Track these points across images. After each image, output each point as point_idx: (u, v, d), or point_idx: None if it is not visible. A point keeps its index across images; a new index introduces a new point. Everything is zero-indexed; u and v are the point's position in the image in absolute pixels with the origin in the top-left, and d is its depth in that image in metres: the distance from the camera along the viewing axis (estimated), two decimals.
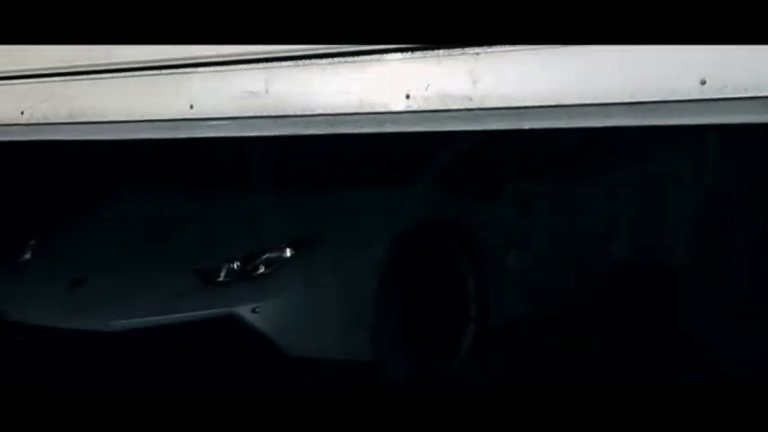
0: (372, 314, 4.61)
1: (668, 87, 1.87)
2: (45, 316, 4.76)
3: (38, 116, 2.30)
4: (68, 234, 5.28)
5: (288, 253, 4.63)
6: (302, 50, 2.07)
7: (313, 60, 2.08)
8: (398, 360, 4.69)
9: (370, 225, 4.79)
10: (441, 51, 1.99)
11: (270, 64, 2.09)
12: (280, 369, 4.51)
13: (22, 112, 2.31)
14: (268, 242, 4.68)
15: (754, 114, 1.82)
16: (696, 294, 5.71)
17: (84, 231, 5.28)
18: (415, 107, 2.00)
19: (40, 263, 5.10)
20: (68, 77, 2.25)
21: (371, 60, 2.04)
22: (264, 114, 2.10)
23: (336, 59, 2.05)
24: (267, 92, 2.11)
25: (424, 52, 2.00)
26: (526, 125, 1.90)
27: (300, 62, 2.08)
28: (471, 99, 1.96)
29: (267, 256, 4.63)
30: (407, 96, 2.02)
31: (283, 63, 2.08)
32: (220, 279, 4.62)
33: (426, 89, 2.00)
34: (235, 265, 4.63)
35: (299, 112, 2.09)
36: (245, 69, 2.11)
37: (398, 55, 2.02)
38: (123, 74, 2.21)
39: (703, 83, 1.84)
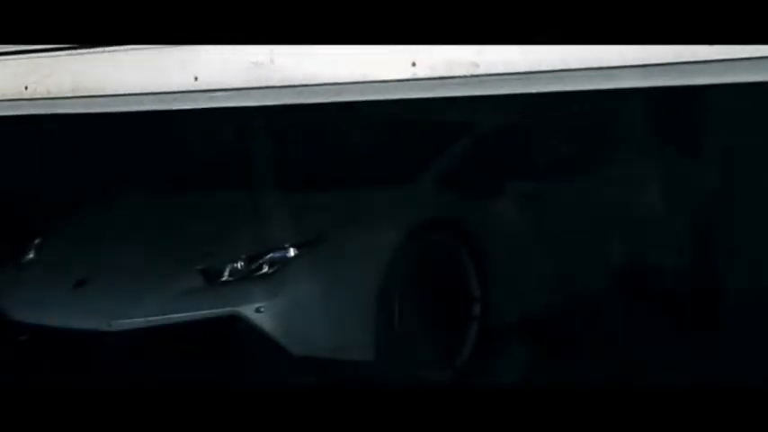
0: (376, 314, 4.60)
1: None
2: (48, 315, 4.76)
3: (41, 91, 2.30)
4: (71, 234, 5.28)
5: (291, 253, 4.63)
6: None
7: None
8: (402, 360, 4.67)
9: (374, 225, 4.79)
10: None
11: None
12: (283, 368, 4.49)
13: (26, 87, 2.32)
14: (272, 242, 4.67)
15: None
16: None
17: (88, 231, 5.28)
18: (421, 75, 2.00)
19: (42, 262, 5.09)
20: (72, 52, 2.25)
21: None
22: (270, 85, 2.09)
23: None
24: (272, 62, 2.11)
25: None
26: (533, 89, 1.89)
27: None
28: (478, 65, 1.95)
29: (271, 255, 4.63)
30: (413, 64, 2.02)
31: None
32: (224, 279, 4.62)
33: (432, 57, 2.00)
34: (238, 265, 4.63)
35: (304, 82, 2.08)
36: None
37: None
38: (127, 47, 2.21)
39: None
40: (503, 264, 5.13)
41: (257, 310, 4.47)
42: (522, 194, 5.33)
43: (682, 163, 6.05)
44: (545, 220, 5.47)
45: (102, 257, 4.93)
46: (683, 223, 6.05)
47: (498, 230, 5.16)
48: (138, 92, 2.20)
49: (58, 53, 2.30)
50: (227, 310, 4.50)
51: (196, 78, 2.17)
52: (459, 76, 1.96)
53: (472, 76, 1.95)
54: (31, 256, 5.20)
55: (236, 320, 4.48)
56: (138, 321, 4.57)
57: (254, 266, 4.61)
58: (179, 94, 2.17)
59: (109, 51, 2.23)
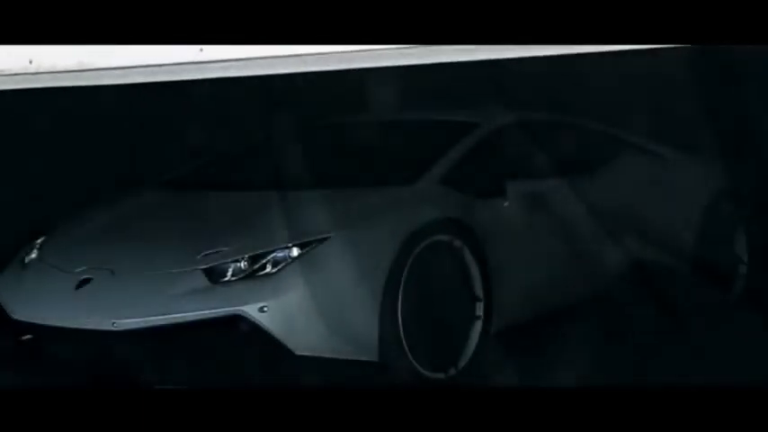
0: (379, 313, 4.60)
1: None
2: (51, 315, 4.75)
3: (46, 65, 2.30)
4: (74, 233, 5.27)
5: (295, 252, 4.63)
6: None
7: None
8: (405, 359, 4.67)
9: (377, 224, 4.79)
10: None
11: None
12: (286, 368, 4.49)
13: (31, 61, 2.32)
14: (275, 242, 4.68)
15: None
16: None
17: (90, 230, 5.27)
18: None
19: (45, 262, 5.08)
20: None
21: None
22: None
23: None
24: None
25: None
26: None
27: None
28: None
29: (274, 255, 4.63)
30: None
31: None
32: (227, 278, 4.62)
33: None
34: (242, 265, 4.63)
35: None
36: None
37: None
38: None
39: None
40: (506, 264, 5.13)
41: (261, 310, 4.47)
42: (525, 194, 5.33)
43: None
44: (549, 220, 5.49)
45: (106, 257, 4.92)
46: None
47: (502, 230, 5.17)
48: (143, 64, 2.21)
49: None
50: (231, 309, 4.49)
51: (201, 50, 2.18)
52: None
53: None
54: (33, 255, 5.19)
55: (239, 320, 4.48)
56: (142, 321, 4.56)
57: (257, 266, 4.61)
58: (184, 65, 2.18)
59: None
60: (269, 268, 4.60)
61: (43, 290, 4.91)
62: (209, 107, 6.56)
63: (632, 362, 5.08)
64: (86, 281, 4.78)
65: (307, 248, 4.64)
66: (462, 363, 4.91)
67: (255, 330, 4.46)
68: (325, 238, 4.66)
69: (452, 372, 4.86)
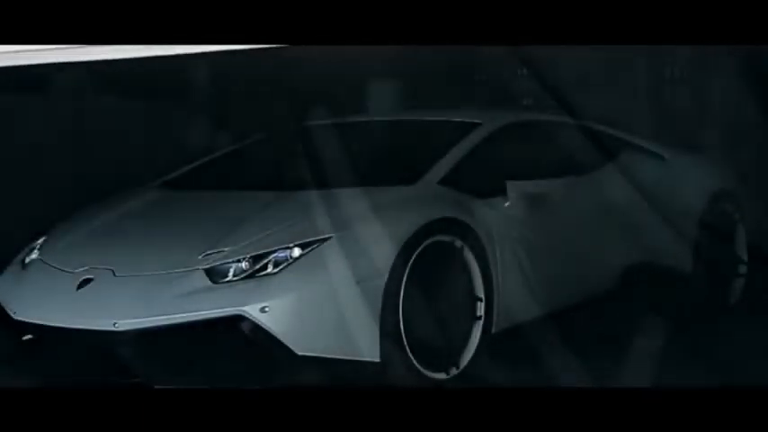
0: (380, 313, 4.60)
1: None
2: (52, 315, 4.75)
3: None
4: (76, 233, 5.27)
5: (296, 252, 4.63)
6: None
7: None
8: (406, 359, 4.68)
9: (378, 224, 4.79)
10: None
11: None
12: (288, 368, 4.49)
13: None
14: (276, 242, 4.68)
15: None
16: None
17: (92, 230, 5.27)
18: None
19: (47, 261, 5.08)
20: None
21: None
22: None
23: None
24: None
25: None
26: None
27: None
28: None
29: (275, 255, 4.63)
30: None
31: None
32: (229, 278, 4.61)
33: None
34: (243, 265, 4.63)
35: None
36: None
37: None
38: None
39: None
40: (507, 264, 5.14)
41: (262, 310, 4.47)
42: (526, 194, 5.34)
43: None
44: (550, 220, 5.50)
45: (107, 257, 4.91)
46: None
47: (503, 230, 5.18)
48: None
49: None
50: (232, 309, 4.49)
51: None
52: None
53: None
54: (34, 255, 5.19)
55: (240, 320, 4.47)
56: (143, 321, 4.55)
57: (258, 266, 4.61)
58: None
59: None
60: (270, 268, 4.60)
61: (44, 290, 4.90)
62: None
63: (633, 361, 5.08)
64: (87, 281, 4.78)
65: (308, 249, 4.64)
66: (463, 363, 4.92)
67: (257, 330, 4.46)
68: (326, 239, 4.66)
69: (454, 372, 4.87)
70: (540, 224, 5.42)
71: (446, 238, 4.92)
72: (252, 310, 4.47)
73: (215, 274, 4.63)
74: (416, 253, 4.76)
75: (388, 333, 4.61)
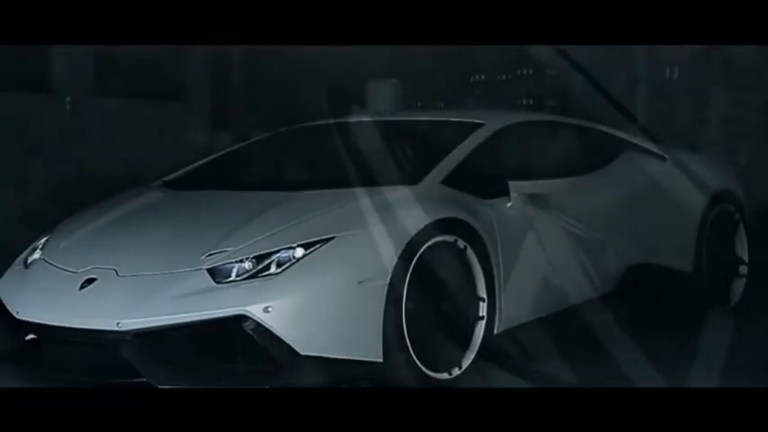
0: (383, 313, 4.60)
1: None
2: (55, 315, 4.74)
3: None
4: (79, 232, 5.27)
5: (299, 252, 4.63)
6: None
7: None
8: (409, 359, 4.68)
9: (381, 224, 4.79)
10: None
11: None
12: (291, 368, 4.49)
13: None
14: (279, 242, 4.68)
15: None
16: None
17: (94, 230, 5.27)
18: None
19: (49, 261, 5.08)
20: None
21: None
22: None
23: None
24: None
25: None
26: None
27: None
28: None
29: (278, 255, 4.63)
30: None
31: None
32: (231, 279, 4.61)
33: None
34: (246, 265, 4.63)
35: None
36: None
37: None
38: None
39: None
40: (509, 264, 5.14)
41: (265, 310, 4.46)
42: (528, 194, 5.34)
43: None
44: (551, 220, 5.50)
45: (110, 257, 4.91)
46: None
47: (505, 230, 5.18)
48: None
49: None
50: (235, 309, 4.48)
51: None
52: None
53: None
54: (36, 255, 5.19)
55: (244, 320, 4.47)
56: (146, 321, 4.55)
57: (261, 266, 4.61)
58: None
59: None
60: (273, 268, 4.60)
61: (47, 290, 4.89)
62: None
63: (633, 361, 5.09)
64: (90, 281, 4.78)
65: (311, 249, 4.63)
66: (466, 363, 4.92)
67: (260, 330, 4.46)
68: (329, 239, 4.66)
69: (456, 372, 4.88)
70: (543, 224, 5.42)
71: (449, 239, 4.93)
72: (255, 310, 4.46)
73: (218, 274, 4.63)
74: (419, 253, 4.76)
75: (390, 333, 4.61)
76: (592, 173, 6.00)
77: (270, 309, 4.46)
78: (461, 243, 4.97)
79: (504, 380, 4.95)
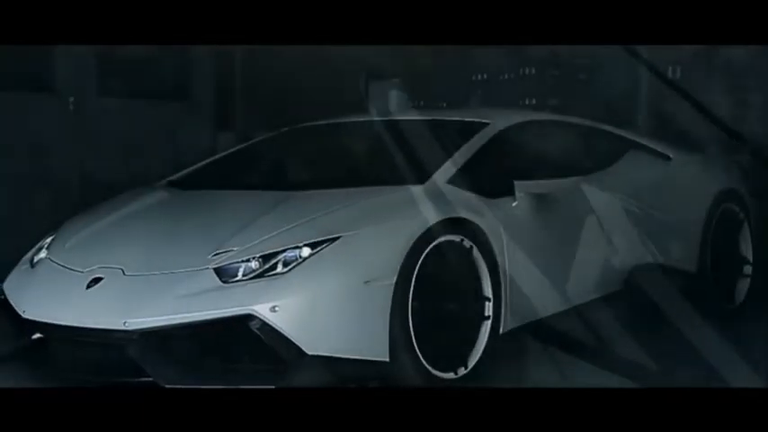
0: (389, 313, 4.61)
1: None
2: (61, 314, 4.74)
3: None
4: (85, 232, 5.27)
5: (306, 252, 4.63)
6: None
7: None
8: (415, 359, 4.68)
9: (387, 224, 4.80)
10: None
11: None
12: (298, 367, 4.49)
13: None
14: (286, 241, 4.68)
15: None
16: None
17: (100, 229, 5.27)
18: None
19: (56, 260, 5.07)
20: None
21: None
22: None
23: None
24: None
25: None
26: None
27: None
28: None
29: (285, 255, 4.63)
30: None
31: None
32: (238, 278, 4.60)
33: None
34: (252, 265, 4.62)
35: None
36: None
37: None
38: None
39: None
40: (515, 263, 5.14)
41: (272, 310, 4.46)
42: (533, 194, 5.35)
43: None
44: (557, 220, 5.50)
45: (116, 256, 4.90)
46: None
47: (510, 230, 5.18)
48: None
49: None
50: (242, 309, 4.48)
51: None
52: None
53: None
54: (42, 255, 5.19)
55: (250, 320, 4.47)
56: (153, 320, 4.54)
57: (268, 266, 4.61)
58: None
59: None
60: (280, 268, 4.60)
61: (53, 289, 4.89)
62: None
63: (638, 361, 5.09)
64: (97, 280, 4.78)
65: (317, 248, 4.63)
66: (472, 362, 4.92)
67: (267, 330, 4.45)
68: (335, 238, 4.66)
69: (462, 371, 4.87)
70: (549, 224, 5.43)
71: (455, 238, 4.93)
72: (262, 310, 4.46)
73: (224, 274, 4.62)
74: (425, 253, 4.76)
75: (397, 333, 4.61)
76: (597, 172, 6.00)
77: (277, 308, 4.46)
78: (467, 243, 4.97)
79: (509, 379, 4.95)
